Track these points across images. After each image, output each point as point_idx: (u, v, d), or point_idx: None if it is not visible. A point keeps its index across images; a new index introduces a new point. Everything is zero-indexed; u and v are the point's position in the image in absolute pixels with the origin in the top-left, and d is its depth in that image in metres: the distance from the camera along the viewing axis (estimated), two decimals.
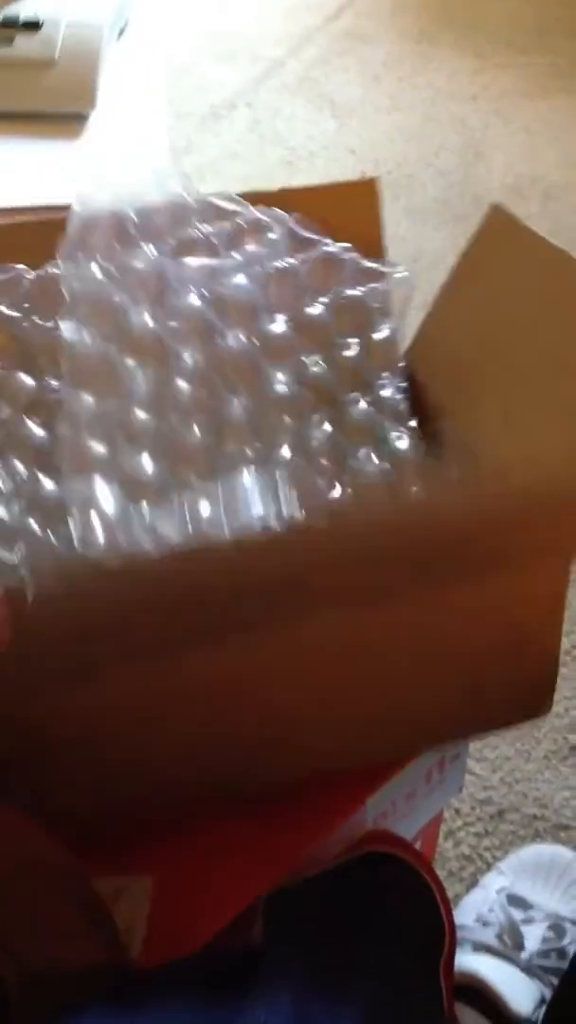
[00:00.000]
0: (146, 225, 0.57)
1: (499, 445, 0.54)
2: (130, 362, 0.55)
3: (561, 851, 0.76)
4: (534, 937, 0.67)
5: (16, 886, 0.38)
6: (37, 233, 0.57)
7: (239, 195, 0.60)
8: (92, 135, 1.16)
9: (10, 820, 0.40)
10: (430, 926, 0.47)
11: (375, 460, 0.58)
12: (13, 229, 0.58)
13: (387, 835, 0.50)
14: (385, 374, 0.61)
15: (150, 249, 0.56)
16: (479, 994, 0.62)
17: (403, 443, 0.59)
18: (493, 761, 0.85)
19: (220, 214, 0.58)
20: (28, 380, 0.56)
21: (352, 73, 1.58)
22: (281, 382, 0.58)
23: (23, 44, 0.94)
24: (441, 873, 0.79)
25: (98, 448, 0.52)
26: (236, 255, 0.58)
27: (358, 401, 0.61)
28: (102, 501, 0.51)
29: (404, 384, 0.61)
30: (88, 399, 0.53)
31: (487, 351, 0.58)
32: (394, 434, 0.59)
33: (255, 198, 0.60)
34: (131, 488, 0.52)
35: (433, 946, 0.47)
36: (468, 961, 0.64)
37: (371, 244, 0.62)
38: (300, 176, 1.39)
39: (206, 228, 0.58)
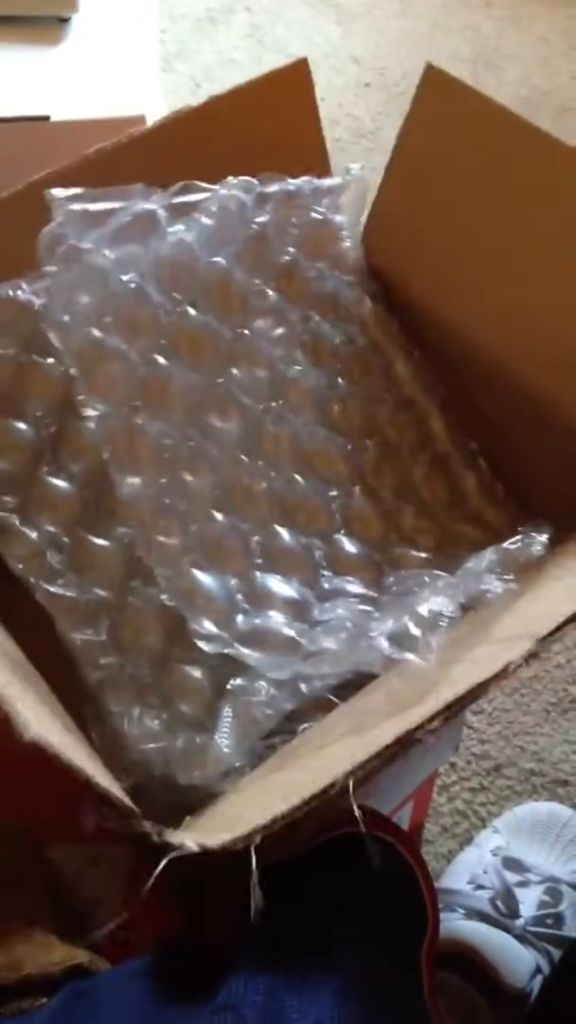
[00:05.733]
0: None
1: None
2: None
3: (558, 809, 0.72)
4: (530, 902, 0.63)
5: None
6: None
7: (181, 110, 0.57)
8: (75, 40, 1.09)
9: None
10: (411, 909, 0.44)
11: None
12: None
13: (368, 815, 0.46)
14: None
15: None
16: (470, 963, 0.58)
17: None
18: (490, 714, 0.81)
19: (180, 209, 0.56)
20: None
21: None
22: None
23: None
24: (434, 829, 0.75)
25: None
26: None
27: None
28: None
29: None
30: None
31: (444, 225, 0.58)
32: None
33: (181, 119, 0.58)
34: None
35: (413, 929, 0.43)
36: (460, 928, 0.61)
37: (309, 133, 0.60)
38: None
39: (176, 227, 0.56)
